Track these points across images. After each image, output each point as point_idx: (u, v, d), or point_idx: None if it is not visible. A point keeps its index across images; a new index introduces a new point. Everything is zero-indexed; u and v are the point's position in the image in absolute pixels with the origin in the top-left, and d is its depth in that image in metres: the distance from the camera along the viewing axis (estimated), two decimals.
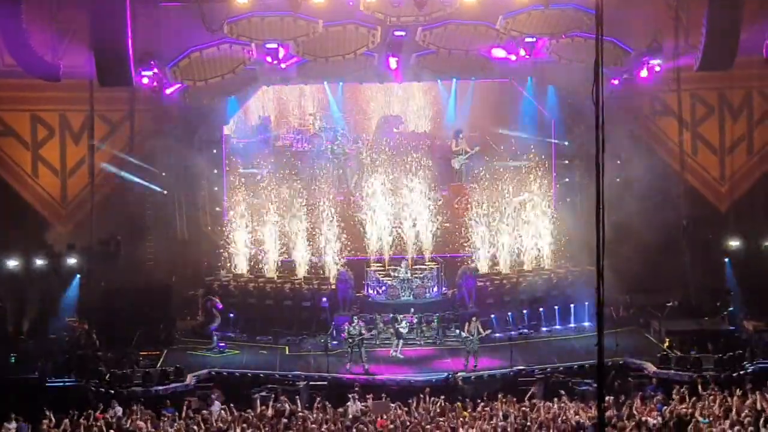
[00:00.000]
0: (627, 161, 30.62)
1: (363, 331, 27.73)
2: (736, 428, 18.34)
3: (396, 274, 31.74)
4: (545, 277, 32.18)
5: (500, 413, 21.66)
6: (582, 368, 26.36)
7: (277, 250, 32.30)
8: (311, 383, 25.99)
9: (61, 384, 24.97)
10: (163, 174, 31.81)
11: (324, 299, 31.12)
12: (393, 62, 30.40)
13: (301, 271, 32.13)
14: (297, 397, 24.65)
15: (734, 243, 30.88)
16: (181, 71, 28.73)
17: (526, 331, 30.52)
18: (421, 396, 23.66)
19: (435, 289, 32.07)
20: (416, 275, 31.90)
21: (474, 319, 28.06)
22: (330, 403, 23.21)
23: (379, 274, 32.09)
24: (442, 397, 23.59)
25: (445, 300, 31.66)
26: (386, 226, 32.33)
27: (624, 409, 21.47)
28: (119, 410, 22.38)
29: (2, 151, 31.84)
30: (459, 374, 25.97)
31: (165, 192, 31.96)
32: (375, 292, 32.02)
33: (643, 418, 20.14)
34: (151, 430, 20.09)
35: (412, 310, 30.23)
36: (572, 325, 30.73)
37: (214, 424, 20.55)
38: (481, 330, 27.54)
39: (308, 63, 29.77)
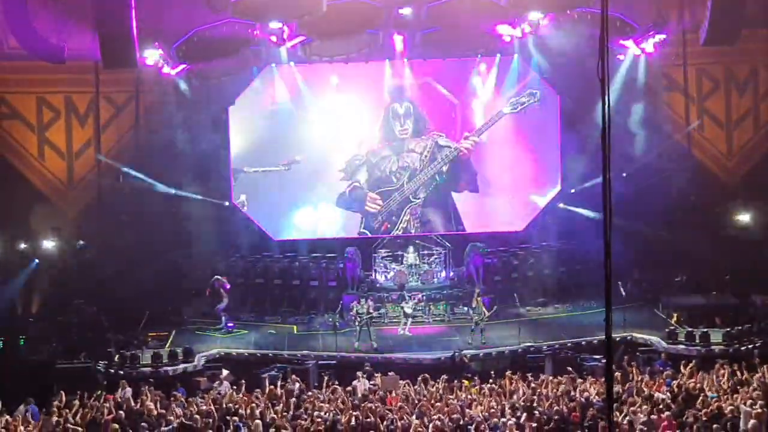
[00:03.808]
0: (634, 137, 30.53)
1: (371, 310, 27.78)
2: (749, 402, 18.32)
3: (404, 261, 31.78)
4: (552, 253, 32.17)
5: (508, 390, 21.70)
6: (590, 344, 26.40)
7: (284, 230, 32.32)
8: (320, 362, 26.08)
9: (71, 365, 25.08)
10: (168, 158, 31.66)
11: (332, 278, 31.27)
12: (398, 40, 30.30)
13: (310, 251, 32.20)
14: (306, 376, 24.75)
15: (742, 217, 30.84)
16: (185, 52, 28.74)
17: (533, 307, 30.60)
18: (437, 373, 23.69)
19: (443, 274, 32.05)
20: (424, 261, 31.90)
21: (476, 293, 28.14)
22: (339, 381, 23.28)
23: (387, 260, 32.10)
24: (448, 375, 23.59)
25: (453, 285, 31.65)
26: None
27: (633, 384, 21.47)
28: (129, 391, 22.39)
29: (8, 133, 31.79)
30: (466, 351, 25.99)
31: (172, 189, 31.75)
32: (383, 277, 32.03)
33: (652, 393, 20.13)
34: (160, 411, 20.07)
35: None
36: (580, 301, 30.72)
37: (224, 404, 20.57)
38: (480, 305, 27.52)
39: (313, 42, 29.69)
